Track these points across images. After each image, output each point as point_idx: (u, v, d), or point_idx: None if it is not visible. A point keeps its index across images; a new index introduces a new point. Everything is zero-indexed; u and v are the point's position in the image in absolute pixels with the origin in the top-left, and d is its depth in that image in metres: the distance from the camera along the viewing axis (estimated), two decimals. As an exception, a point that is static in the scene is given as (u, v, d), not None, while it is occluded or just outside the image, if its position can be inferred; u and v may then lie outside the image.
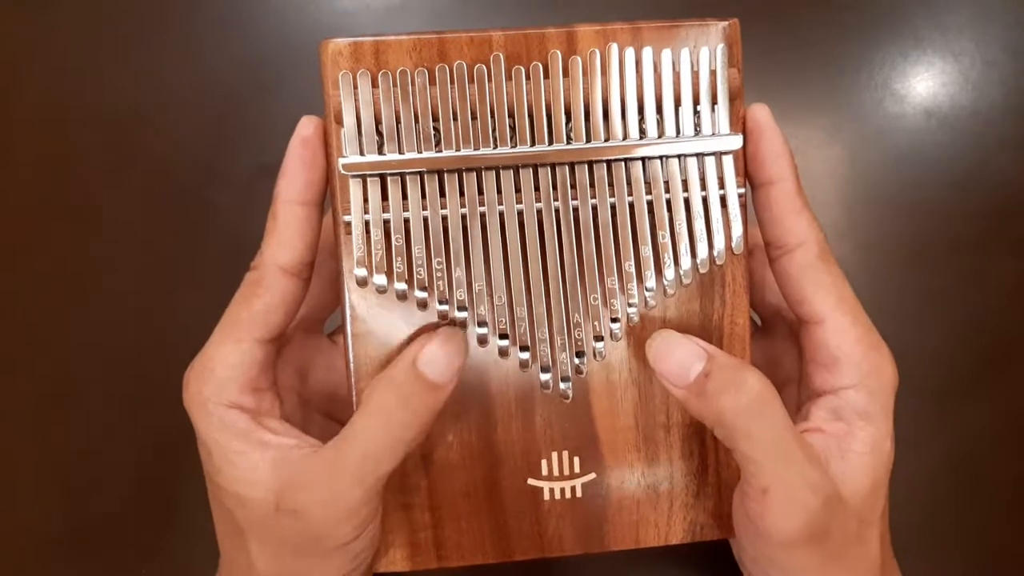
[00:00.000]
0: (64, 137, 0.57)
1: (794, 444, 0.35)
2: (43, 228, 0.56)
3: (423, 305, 0.36)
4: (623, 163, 0.36)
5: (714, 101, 0.37)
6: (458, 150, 0.36)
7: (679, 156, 0.37)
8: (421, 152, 0.36)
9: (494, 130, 0.36)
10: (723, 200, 0.37)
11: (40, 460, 0.54)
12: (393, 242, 0.36)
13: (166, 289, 0.56)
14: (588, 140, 0.36)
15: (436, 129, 0.36)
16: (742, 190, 0.37)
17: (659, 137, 0.37)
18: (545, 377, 0.37)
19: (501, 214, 0.36)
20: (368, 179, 0.36)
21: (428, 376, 0.35)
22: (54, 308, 0.55)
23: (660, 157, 0.37)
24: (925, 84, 0.59)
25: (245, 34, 0.58)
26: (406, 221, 0.36)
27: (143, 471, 0.53)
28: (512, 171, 0.36)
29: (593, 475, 0.40)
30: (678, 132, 0.37)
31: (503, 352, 0.37)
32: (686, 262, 0.37)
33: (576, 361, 0.37)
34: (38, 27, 0.58)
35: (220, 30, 0.58)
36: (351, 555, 0.36)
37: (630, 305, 0.37)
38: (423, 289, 0.36)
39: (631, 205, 0.37)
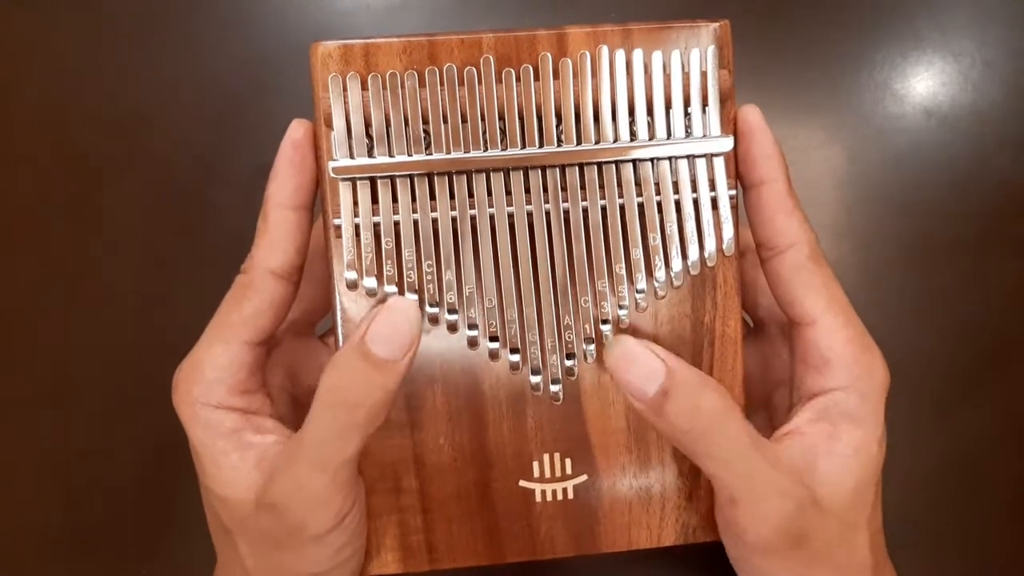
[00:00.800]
0: (64, 137, 0.57)
1: (756, 457, 0.35)
2: (43, 228, 0.56)
3: None
4: (614, 165, 0.36)
5: (705, 103, 0.37)
6: (448, 153, 0.36)
7: (670, 158, 0.37)
8: (411, 155, 0.36)
9: (484, 133, 0.36)
10: (714, 202, 0.37)
11: (40, 460, 0.54)
12: (383, 245, 0.36)
13: (166, 289, 0.56)
14: (579, 143, 0.36)
15: (426, 132, 0.36)
16: (733, 192, 0.37)
17: (650, 139, 0.37)
18: (536, 379, 0.37)
19: (491, 217, 0.36)
20: (358, 182, 0.36)
21: (376, 354, 0.34)
22: (54, 308, 0.55)
23: (651, 159, 0.37)
24: (925, 84, 0.58)
25: (245, 34, 0.58)
26: (396, 224, 0.36)
27: (143, 471, 0.54)
28: (502, 174, 0.36)
29: (585, 477, 0.40)
30: (669, 134, 0.37)
31: (494, 355, 0.37)
32: (677, 264, 0.37)
33: (567, 363, 0.37)
34: (38, 27, 0.58)
35: (220, 30, 0.58)
36: (332, 548, 0.36)
37: (621, 307, 0.37)
38: (413, 292, 0.36)
39: (622, 207, 0.37)
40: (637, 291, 0.37)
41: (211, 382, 0.36)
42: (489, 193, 0.36)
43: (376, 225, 0.36)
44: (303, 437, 0.35)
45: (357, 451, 0.35)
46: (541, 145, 0.36)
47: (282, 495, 0.35)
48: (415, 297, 0.36)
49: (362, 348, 0.34)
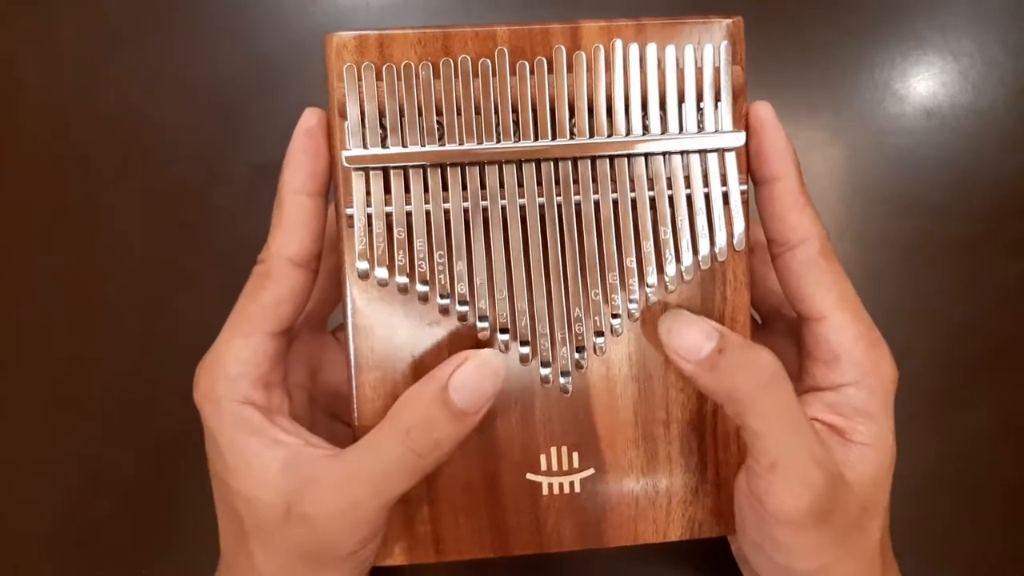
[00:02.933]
0: (64, 136, 0.57)
1: (802, 420, 0.36)
2: (43, 227, 0.56)
3: (424, 299, 0.36)
4: (626, 159, 0.37)
5: (717, 98, 0.37)
6: (461, 144, 0.36)
7: (682, 152, 0.37)
8: (424, 146, 0.36)
9: (497, 124, 0.36)
10: (725, 197, 0.37)
11: (40, 460, 0.54)
12: (395, 235, 0.36)
13: (166, 289, 0.55)
14: (591, 135, 0.36)
15: (439, 123, 0.36)
16: (744, 187, 0.38)
17: (662, 133, 0.37)
18: (545, 372, 0.37)
19: (503, 208, 0.36)
20: (371, 172, 0.36)
21: (457, 404, 0.34)
22: (54, 308, 0.55)
23: (663, 153, 0.37)
24: (925, 84, 0.59)
25: (245, 34, 0.58)
26: (408, 214, 0.36)
27: (143, 471, 0.53)
28: (515, 165, 0.36)
29: (592, 470, 0.40)
30: (681, 128, 0.37)
31: (504, 347, 0.37)
32: (687, 258, 0.37)
33: (576, 356, 0.38)
34: (38, 27, 0.57)
35: (221, 30, 0.58)
36: (358, 562, 0.36)
37: (631, 301, 0.37)
38: (424, 283, 0.36)
39: (633, 201, 0.37)
40: (647, 285, 0.37)
41: (234, 377, 0.36)
42: (501, 185, 0.36)
43: (388, 215, 0.36)
44: (367, 463, 0.35)
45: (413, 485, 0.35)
46: (554, 137, 0.36)
47: (324, 512, 0.34)
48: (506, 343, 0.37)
49: (444, 395, 0.35)
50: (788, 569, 0.37)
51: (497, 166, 0.36)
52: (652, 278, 0.37)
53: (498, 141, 0.36)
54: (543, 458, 0.39)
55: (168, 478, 0.52)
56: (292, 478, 0.35)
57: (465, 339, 0.38)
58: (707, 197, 0.37)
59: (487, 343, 0.38)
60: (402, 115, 0.36)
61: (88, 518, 0.53)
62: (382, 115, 0.36)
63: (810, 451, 0.35)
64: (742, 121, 0.38)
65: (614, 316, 0.37)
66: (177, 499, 0.52)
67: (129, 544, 0.53)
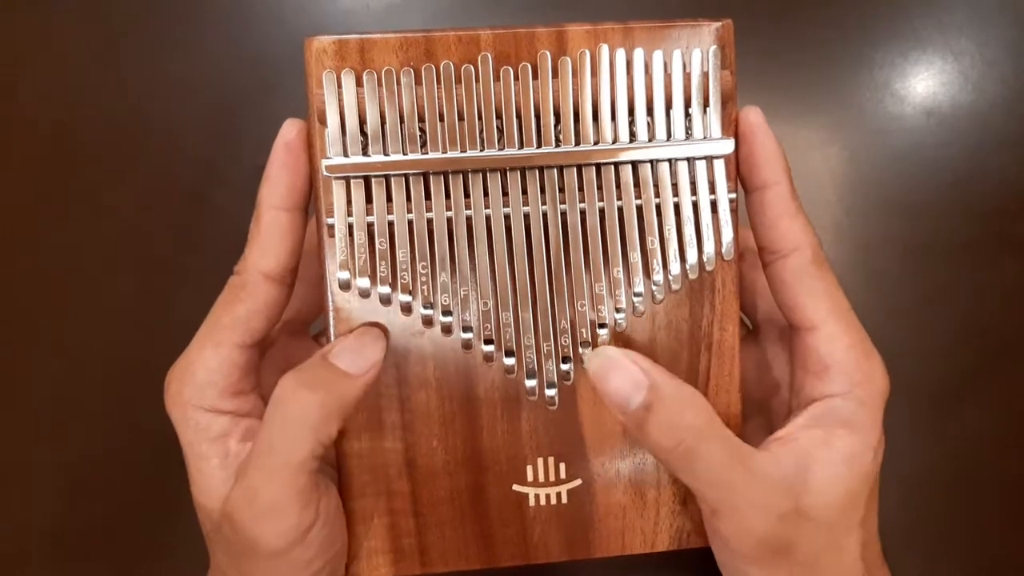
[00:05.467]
0: (64, 137, 0.57)
1: (737, 471, 0.35)
2: (43, 227, 0.56)
3: (407, 309, 0.36)
4: (612, 167, 0.36)
5: (706, 104, 0.36)
6: (444, 152, 0.35)
7: (669, 160, 0.36)
8: (406, 154, 0.35)
9: (481, 132, 0.35)
10: (713, 205, 0.37)
11: (40, 460, 0.54)
12: (377, 245, 0.35)
13: (166, 289, 0.55)
14: (577, 143, 0.36)
15: (422, 130, 0.35)
16: (733, 195, 0.37)
17: (649, 140, 0.36)
18: (531, 383, 0.37)
19: (488, 218, 0.36)
20: (352, 181, 0.35)
21: (338, 366, 0.35)
22: (54, 307, 0.55)
23: (650, 161, 0.36)
24: (925, 84, 0.58)
25: (245, 34, 0.58)
26: (390, 224, 0.35)
27: (143, 471, 0.53)
28: (499, 174, 0.36)
29: (579, 481, 0.39)
30: (669, 135, 0.36)
31: (488, 358, 0.37)
32: (675, 268, 0.36)
33: (563, 368, 0.37)
34: (39, 27, 0.57)
35: (220, 30, 0.58)
36: (298, 565, 0.35)
37: (618, 311, 0.37)
38: (407, 293, 0.36)
39: (620, 210, 0.36)
40: (634, 295, 0.37)
41: (202, 384, 0.36)
42: (485, 194, 0.36)
43: (370, 225, 0.35)
44: (256, 443, 0.35)
45: (310, 455, 0.34)
46: (539, 145, 0.35)
47: (235, 505, 0.34)
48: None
49: (322, 359, 0.35)
50: None
51: (481, 174, 0.36)
52: (639, 288, 0.36)
53: (482, 149, 0.35)
54: (529, 469, 0.39)
55: (168, 478, 0.52)
56: (228, 484, 0.35)
57: (449, 349, 0.38)
58: (695, 206, 0.36)
59: (471, 354, 0.37)
60: (383, 122, 0.35)
61: (88, 518, 0.53)
62: (363, 122, 0.35)
63: (750, 499, 0.35)
64: (731, 127, 0.37)
65: (601, 327, 0.37)
66: (177, 499, 0.52)
67: (129, 544, 0.53)
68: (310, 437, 0.34)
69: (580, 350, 0.37)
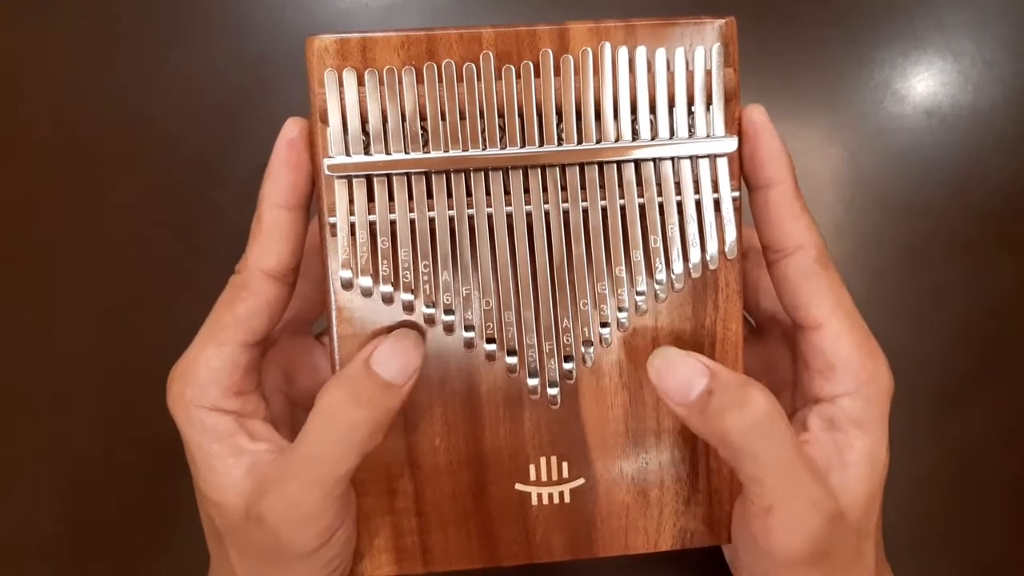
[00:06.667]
0: (64, 137, 0.57)
1: (799, 463, 0.35)
2: (43, 227, 0.56)
3: (409, 308, 0.36)
4: (615, 165, 0.36)
5: (709, 102, 0.36)
6: (446, 151, 0.35)
7: (672, 158, 0.36)
8: (408, 153, 0.35)
9: (483, 130, 0.35)
10: (717, 204, 0.36)
11: (40, 460, 0.54)
12: (379, 244, 0.35)
13: (166, 289, 0.55)
14: (580, 141, 0.36)
15: (424, 129, 0.35)
16: (736, 193, 0.37)
17: (652, 139, 0.36)
18: (533, 383, 0.37)
19: (490, 216, 0.36)
20: (354, 180, 0.35)
21: (381, 375, 0.35)
22: (54, 307, 0.55)
23: (653, 159, 0.36)
24: (925, 84, 0.58)
25: (245, 34, 0.58)
26: (392, 223, 0.35)
27: (143, 471, 0.53)
28: (501, 173, 0.36)
29: (582, 480, 0.39)
30: (672, 134, 0.36)
31: (491, 357, 0.36)
32: (678, 266, 0.36)
33: (565, 367, 0.37)
34: (39, 27, 0.57)
35: (220, 30, 0.58)
36: (321, 562, 0.36)
37: (621, 310, 0.37)
38: (409, 292, 0.35)
39: (623, 208, 0.36)
40: (637, 293, 0.36)
41: (205, 384, 0.36)
42: (488, 192, 0.35)
43: (372, 224, 0.35)
44: (298, 452, 0.35)
45: (353, 469, 0.35)
46: (541, 144, 0.35)
47: (271, 510, 0.34)
48: (428, 308, 0.36)
49: (367, 368, 0.35)
50: None
51: (483, 173, 0.35)
52: (642, 286, 0.36)
53: (484, 148, 0.35)
54: (532, 468, 0.39)
55: (167, 478, 0.52)
56: (251, 483, 0.35)
57: (451, 348, 0.38)
58: (698, 204, 0.36)
59: (473, 353, 0.37)
60: (385, 121, 0.35)
61: (87, 518, 0.53)
62: (365, 121, 0.35)
63: (808, 495, 0.35)
64: (735, 125, 0.37)
65: (603, 326, 0.37)
66: (177, 499, 0.52)
67: (129, 544, 0.53)
68: (357, 452, 0.35)
69: (583, 349, 0.37)
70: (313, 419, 0.35)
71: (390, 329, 0.37)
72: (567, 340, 0.36)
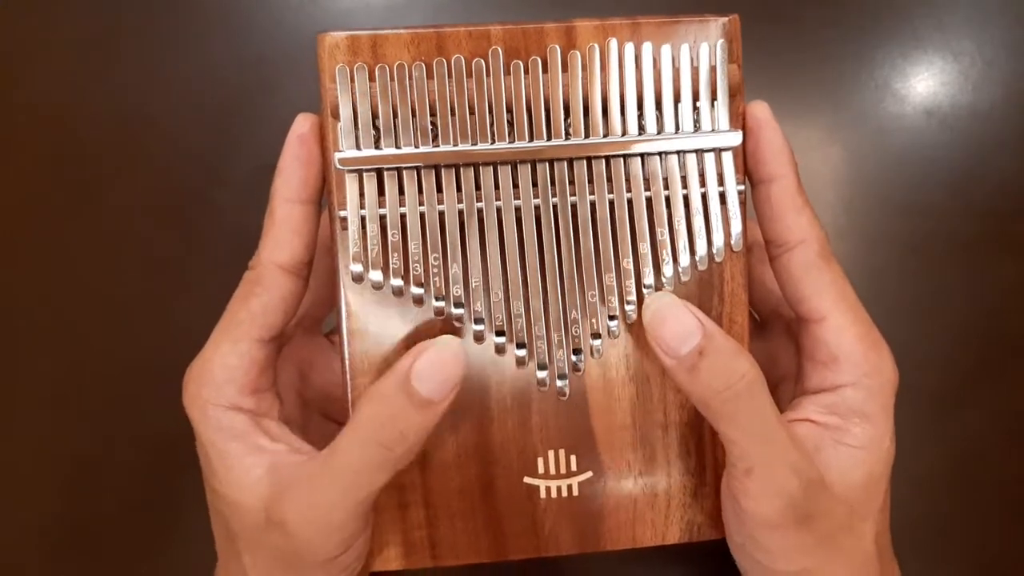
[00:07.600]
0: (64, 137, 0.57)
1: (778, 427, 0.35)
2: (43, 227, 0.56)
3: (419, 302, 0.36)
4: (622, 159, 0.36)
5: (714, 97, 0.37)
6: (456, 145, 0.36)
7: (678, 152, 0.37)
8: (418, 147, 0.35)
9: (492, 125, 0.36)
10: (722, 197, 0.37)
11: (40, 460, 0.54)
12: (389, 238, 0.36)
13: (166, 289, 0.55)
14: (587, 136, 0.36)
15: (433, 124, 0.36)
16: (741, 187, 0.37)
17: (658, 133, 0.36)
18: (542, 375, 0.37)
19: (499, 210, 0.36)
20: (364, 174, 0.36)
21: (420, 393, 0.33)
22: (54, 307, 0.55)
23: (659, 153, 0.36)
24: (925, 84, 0.58)
25: (245, 34, 0.58)
26: (402, 217, 0.36)
27: (143, 471, 0.53)
28: (510, 167, 0.36)
29: (590, 473, 0.39)
30: (677, 128, 0.37)
31: (500, 349, 0.37)
32: (685, 259, 0.37)
33: (574, 359, 0.37)
34: (39, 27, 0.57)
35: (220, 30, 0.58)
36: (340, 567, 0.36)
37: (628, 303, 0.37)
38: (419, 285, 0.36)
39: (630, 202, 0.36)
40: (644, 286, 0.37)
41: (221, 382, 0.36)
42: (496, 186, 0.36)
43: (382, 218, 0.36)
44: (332, 464, 0.34)
45: (386, 483, 0.35)
46: (549, 138, 0.36)
47: (297, 517, 0.34)
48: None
49: (407, 386, 0.34)
50: (770, 570, 0.37)
51: (492, 167, 0.36)
52: (649, 279, 0.37)
53: (493, 142, 0.36)
54: (540, 461, 0.39)
55: (168, 478, 0.52)
56: (270, 484, 0.35)
57: None
58: (704, 198, 0.37)
59: (482, 346, 0.37)
60: (395, 116, 0.35)
61: (87, 517, 0.53)
62: (375, 116, 0.35)
63: (786, 458, 0.35)
64: (739, 120, 0.37)
65: (611, 318, 0.37)
66: (177, 499, 0.52)
67: (129, 544, 0.53)
68: (391, 469, 0.34)
69: (591, 341, 0.37)
70: (349, 433, 0.34)
71: (429, 334, 0.37)
72: (575, 332, 0.37)
